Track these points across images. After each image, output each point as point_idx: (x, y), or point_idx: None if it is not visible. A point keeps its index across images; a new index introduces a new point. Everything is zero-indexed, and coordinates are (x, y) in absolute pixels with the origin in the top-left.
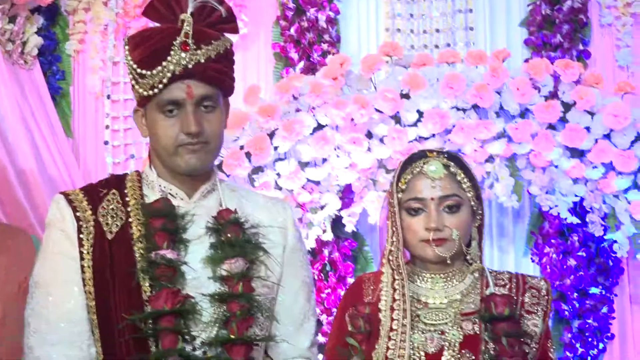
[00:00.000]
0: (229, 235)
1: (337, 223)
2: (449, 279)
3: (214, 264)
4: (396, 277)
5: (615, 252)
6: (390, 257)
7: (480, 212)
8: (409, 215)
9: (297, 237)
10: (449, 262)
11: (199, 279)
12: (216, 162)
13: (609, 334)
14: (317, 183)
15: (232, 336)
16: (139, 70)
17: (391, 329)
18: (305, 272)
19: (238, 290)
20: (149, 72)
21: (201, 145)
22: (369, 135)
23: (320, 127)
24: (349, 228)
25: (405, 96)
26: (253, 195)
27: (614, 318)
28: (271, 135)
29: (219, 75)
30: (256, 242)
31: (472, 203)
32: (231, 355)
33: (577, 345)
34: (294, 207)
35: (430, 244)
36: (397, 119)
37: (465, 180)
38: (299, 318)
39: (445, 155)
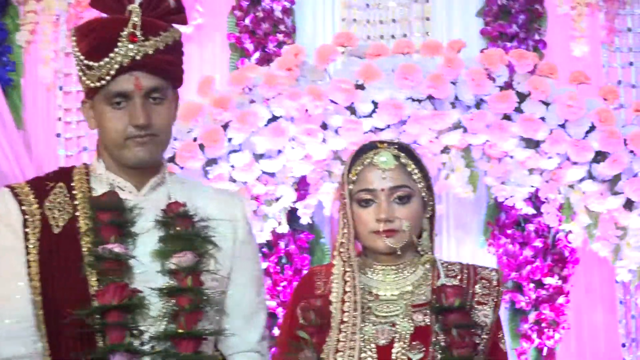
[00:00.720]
0: (177, 228)
1: (292, 215)
2: (400, 270)
3: (162, 257)
4: (347, 269)
5: (570, 243)
6: (341, 249)
7: (431, 203)
8: (360, 206)
9: (247, 230)
10: (399, 253)
11: (148, 272)
12: (169, 155)
13: (565, 325)
14: (272, 175)
15: (181, 330)
16: (86, 62)
17: (342, 322)
18: (255, 265)
19: (187, 284)
20: (96, 64)
21: (150, 137)
22: (324, 126)
23: (274, 118)
24: (305, 220)
25: (360, 87)
26: (203, 187)
27: (569, 309)
28: (225, 126)
29: (167, 66)
30: (205, 235)
31: (423, 194)
32: (180, 349)
33: (534, 336)
34: (248, 199)
35: (380, 235)
36: (352, 110)
37: (415, 171)
38: (249, 311)
39: (396, 146)
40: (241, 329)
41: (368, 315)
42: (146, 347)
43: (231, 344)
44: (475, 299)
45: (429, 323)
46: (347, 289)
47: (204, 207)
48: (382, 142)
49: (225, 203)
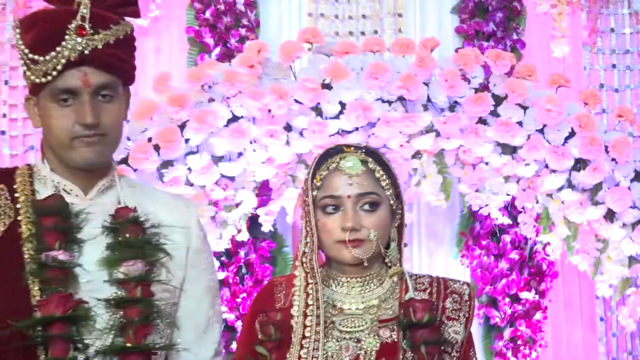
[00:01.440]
0: (127, 235)
1: (253, 222)
2: (366, 283)
3: (110, 266)
4: (310, 280)
5: (548, 255)
6: (304, 260)
7: (400, 211)
8: (324, 214)
9: (201, 237)
10: (366, 264)
11: (94, 282)
12: (121, 156)
13: (542, 342)
14: (232, 179)
15: (129, 344)
16: (30, 56)
17: (303, 337)
18: (210, 275)
19: (136, 295)
20: (41, 58)
21: (98, 137)
22: (288, 128)
23: (235, 118)
24: (266, 227)
25: (327, 86)
26: (154, 192)
27: (547, 325)
28: (182, 126)
29: (118, 62)
30: (157, 242)
31: (392, 202)
32: None
33: (509, 354)
34: (206, 204)
35: (346, 245)
36: (317, 110)
37: (384, 177)
38: (202, 325)
39: (363, 151)
40: (194, 343)
41: (331, 331)
42: None
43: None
44: (446, 314)
45: (396, 339)
46: (310, 302)
47: (156, 212)
48: (348, 145)
49: (178, 209)
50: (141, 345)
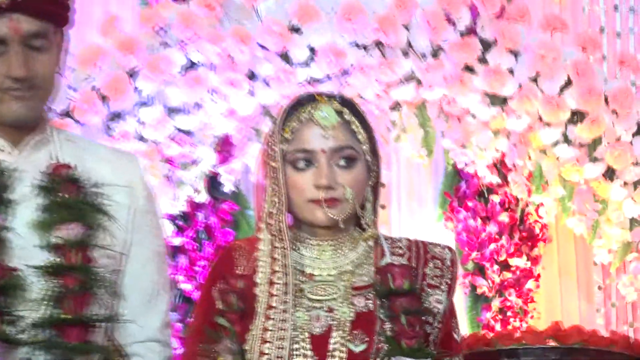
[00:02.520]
0: (63, 195)
1: (213, 182)
2: (338, 247)
3: (44, 229)
4: (277, 244)
5: (541, 218)
6: (270, 221)
7: (375, 168)
8: (295, 170)
9: (147, 197)
10: (342, 226)
11: (26, 248)
12: (63, 107)
13: (534, 314)
14: (189, 133)
15: (67, 315)
16: None
17: (269, 307)
18: (156, 239)
19: (74, 261)
20: None
21: (29, 91)
22: (251, 76)
23: (192, 65)
24: (228, 187)
25: (295, 30)
26: (95, 147)
27: (539, 295)
28: (132, 74)
29: (52, 7)
30: (97, 203)
31: (368, 157)
32: (65, 338)
33: (497, 326)
34: (160, 162)
35: (320, 204)
36: (285, 57)
37: (360, 130)
38: (149, 294)
39: (338, 100)
40: (139, 314)
41: (300, 299)
42: (25, 336)
43: (128, 332)
44: (426, 281)
45: (372, 308)
46: (277, 268)
47: (96, 169)
48: (321, 94)
49: (121, 165)
50: (80, 317)
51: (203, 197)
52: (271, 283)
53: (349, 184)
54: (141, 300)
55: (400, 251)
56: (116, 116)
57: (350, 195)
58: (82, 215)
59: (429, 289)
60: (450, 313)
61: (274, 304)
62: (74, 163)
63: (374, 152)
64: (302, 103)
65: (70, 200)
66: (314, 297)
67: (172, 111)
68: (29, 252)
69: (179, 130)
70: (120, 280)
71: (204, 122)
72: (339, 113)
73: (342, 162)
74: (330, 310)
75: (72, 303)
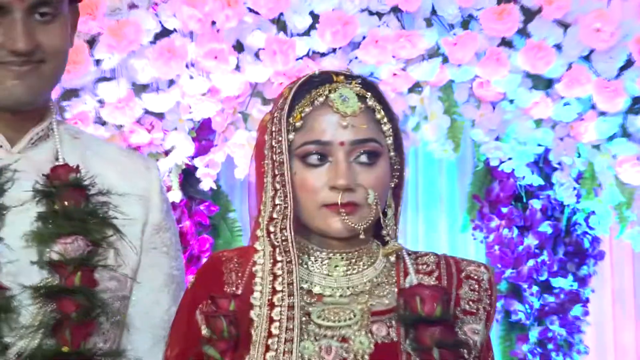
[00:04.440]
0: (65, 202)
1: (188, 177)
2: (353, 262)
3: (41, 242)
4: (279, 257)
5: (592, 229)
6: (272, 229)
7: (398, 167)
8: (305, 166)
9: (164, 210)
10: (362, 237)
11: (19, 263)
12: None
13: (581, 347)
14: (160, 116)
15: (63, 348)
16: None
17: (270, 334)
18: (173, 261)
19: (74, 283)
20: None
21: (32, 66)
22: (239, 47)
23: (165, 32)
24: (207, 185)
25: None
26: (104, 146)
27: (589, 324)
28: (91, 43)
29: None
30: (104, 215)
31: (392, 154)
32: None
33: None
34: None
35: (337, 210)
36: (280, 24)
37: (385, 120)
38: (161, 327)
39: (359, 82)
40: (149, 350)
41: (307, 326)
42: None
43: None
44: (461, 307)
45: (395, 339)
46: (279, 286)
47: (105, 174)
48: (337, 73)
49: (136, 171)
50: (80, 350)
51: (176, 196)
52: (272, 305)
53: (371, 186)
54: (152, 337)
55: (428, 269)
56: (71, 94)
57: (374, 199)
58: (85, 228)
59: (464, 316)
60: (487, 346)
61: (275, 331)
62: (78, 165)
63: (398, 147)
64: (314, 83)
65: (73, 209)
66: (324, 323)
67: (139, 89)
68: (22, 269)
69: (148, 112)
70: (127, 309)
71: (180, 102)
72: (362, 98)
73: (363, 158)
74: (344, 340)
75: (70, 333)
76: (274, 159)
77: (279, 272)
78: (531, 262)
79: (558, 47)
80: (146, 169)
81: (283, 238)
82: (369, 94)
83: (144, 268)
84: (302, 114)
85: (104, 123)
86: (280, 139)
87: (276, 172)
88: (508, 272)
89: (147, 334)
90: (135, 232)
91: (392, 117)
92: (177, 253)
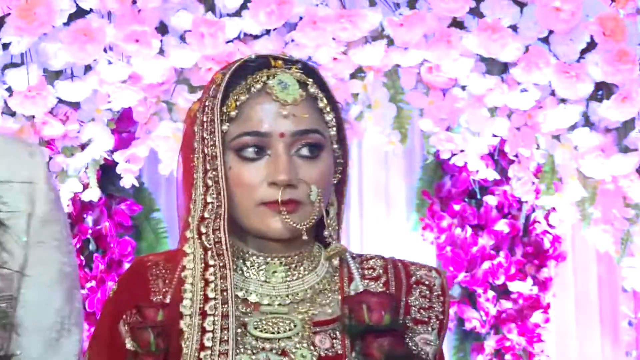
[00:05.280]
0: None
1: (108, 173)
2: (293, 267)
3: None
4: (211, 262)
5: (553, 227)
6: (204, 230)
7: (341, 160)
8: (241, 160)
9: (51, 201)
10: (305, 237)
11: None
12: None
13: (542, 357)
14: (75, 106)
15: None
16: None
17: (202, 347)
18: (64, 257)
19: None
20: None
21: None
22: (162, 28)
23: (80, 13)
24: (128, 181)
25: None
26: None
27: (550, 331)
28: None
29: None
30: None
31: (335, 146)
32: None
33: None
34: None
35: (277, 208)
36: (208, 4)
37: (328, 109)
38: (54, 329)
39: (299, 67)
40: (40, 355)
41: (242, 337)
42: None
43: None
44: (411, 315)
45: (340, 351)
46: (211, 293)
47: None
48: (275, 57)
49: (18, 158)
50: None
51: (94, 195)
52: (204, 314)
53: (314, 181)
54: (44, 339)
55: (374, 274)
56: None
57: (317, 196)
58: None
59: (414, 326)
60: (440, 357)
61: (207, 343)
62: None
63: (341, 139)
64: (250, 68)
65: None
66: (262, 334)
67: (52, 76)
68: None
69: (62, 101)
70: (15, 310)
71: (97, 90)
72: (303, 85)
73: (305, 151)
74: (284, 353)
75: None
76: (206, 152)
77: (212, 278)
78: (486, 265)
79: (514, 28)
80: (29, 155)
81: (216, 240)
82: (311, 80)
83: (32, 265)
84: (237, 103)
85: (13, 114)
86: (213, 130)
87: (208, 167)
88: (461, 275)
89: (38, 336)
90: (21, 225)
91: (335, 106)
92: (69, 247)
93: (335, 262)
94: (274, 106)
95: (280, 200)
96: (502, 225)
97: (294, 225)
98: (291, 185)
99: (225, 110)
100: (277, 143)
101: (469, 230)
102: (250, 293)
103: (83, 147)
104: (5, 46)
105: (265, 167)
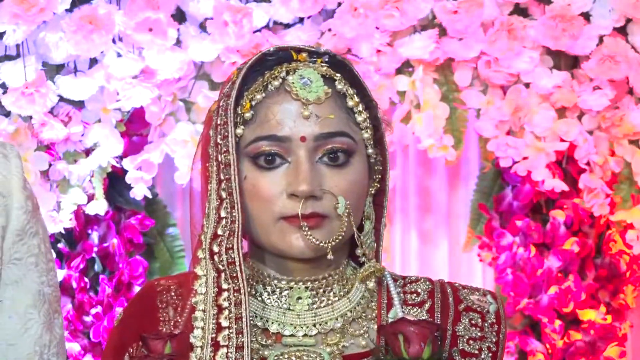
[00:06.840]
0: None
1: (116, 182)
2: (321, 292)
3: None
4: (225, 285)
5: (630, 247)
6: (215, 248)
7: (380, 168)
8: (257, 168)
9: (28, 211)
10: (330, 257)
11: None
12: None
13: None
14: (80, 106)
15: None
16: None
17: None
18: (43, 275)
19: None
20: None
21: None
22: (180, 16)
23: None
24: (140, 193)
25: None
26: None
27: None
28: None
29: None
30: None
31: (370, 150)
32: None
33: None
34: (32, 150)
35: (298, 223)
36: None
37: (359, 108)
38: None
39: (326, 59)
40: None
41: None
42: None
43: None
44: (458, 347)
45: None
46: (224, 322)
47: None
48: (299, 49)
49: None
50: None
51: (100, 207)
52: (216, 345)
53: (342, 192)
54: None
55: (418, 299)
56: None
57: (346, 209)
58: None
59: (462, 359)
60: None
61: None
62: None
63: (379, 142)
64: (269, 63)
65: None
66: None
67: (52, 70)
68: None
69: (64, 100)
70: None
71: (105, 87)
72: (329, 80)
73: (331, 158)
74: None
75: None
76: (219, 159)
77: (225, 304)
78: (553, 290)
79: (586, 16)
80: (3, 158)
81: (229, 260)
82: (339, 75)
83: (5, 287)
84: (253, 102)
85: (7, 114)
86: (226, 134)
87: (222, 177)
88: (523, 302)
89: None
90: None
91: (369, 104)
92: (49, 265)
93: (371, 284)
94: (294, 106)
95: (301, 214)
96: (571, 245)
97: (318, 242)
98: (314, 196)
99: (239, 112)
100: (298, 149)
101: (533, 249)
102: (271, 323)
103: (88, 152)
104: None
105: (285, 176)
